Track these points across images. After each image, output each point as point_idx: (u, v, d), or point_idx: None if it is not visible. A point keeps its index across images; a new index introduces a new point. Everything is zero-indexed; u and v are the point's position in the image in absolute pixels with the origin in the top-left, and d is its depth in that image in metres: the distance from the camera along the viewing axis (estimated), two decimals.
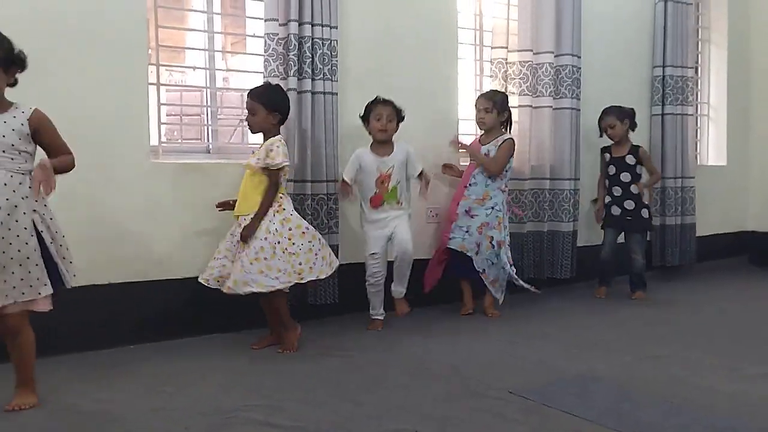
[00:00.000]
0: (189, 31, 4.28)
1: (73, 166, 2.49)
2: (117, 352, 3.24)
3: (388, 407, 2.53)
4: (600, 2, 4.96)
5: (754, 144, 6.12)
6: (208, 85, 3.77)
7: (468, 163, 4.21)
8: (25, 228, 2.34)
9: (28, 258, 2.35)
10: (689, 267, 5.46)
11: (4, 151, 2.34)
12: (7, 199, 2.32)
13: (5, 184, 2.33)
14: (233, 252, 3.24)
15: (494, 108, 4.04)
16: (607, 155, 4.66)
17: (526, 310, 4.14)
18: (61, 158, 2.44)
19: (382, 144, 3.69)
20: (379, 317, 3.76)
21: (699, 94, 5.97)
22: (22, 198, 2.35)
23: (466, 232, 4.01)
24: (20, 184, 2.36)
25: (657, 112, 5.29)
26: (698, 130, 5.95)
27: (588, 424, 2.36)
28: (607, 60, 5.03)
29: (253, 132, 3.40)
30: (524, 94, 4.49)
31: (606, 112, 4.61)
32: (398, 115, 3.70)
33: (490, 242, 3.97)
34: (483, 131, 4.15)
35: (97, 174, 3.20)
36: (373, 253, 3.68)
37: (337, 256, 3.75)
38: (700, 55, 5.97)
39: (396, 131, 3.71)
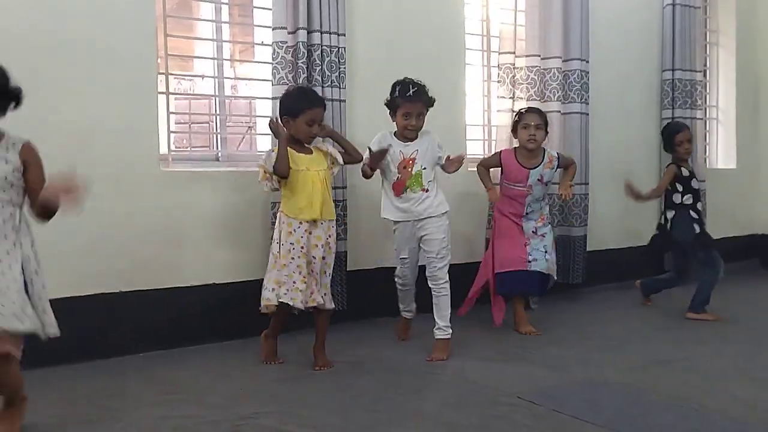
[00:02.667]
0: (197, 39, 4.31)
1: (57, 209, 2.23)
2: (127, 360, 3.24)
3: (400, 413, 2.54)
4: (608, 7, 4.96)
5: (764, 147, 6.09)
6: (216, 93, 3.80)
7: (508, 185, 3.84)
8: (16, 260, 2.25)
9: (18, 290, 2.22)
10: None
11: None
12: None
13: None
14: (310, 267, 3.12)
15: (545, 125, 3.81)
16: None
17: (535, 316, 4.12)
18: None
19: (408, 138, 3.39)
20: (408, 315, 3.58)
21: (708, 97, 5.95)
22: (12, 229, 2.27)
23: (546, 252, 3.82)
24: (11, 215, 2.27)
25: (667, 115, 5.25)
26: (707, 133, 5.92)
27: (598, 429, 2.35)
28: (615, 64, 5.02)
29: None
30: (532, 99, 4.48)
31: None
32: (428, 107, 3.36)
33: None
34: (529, 150, 3.75)
35: (108, 183, 3.22)
36: (402, 258, 3.44)
37: (345, 264, 3.77)
38: (708, 59, 5.96)
39: (424, 123, 3.39)
